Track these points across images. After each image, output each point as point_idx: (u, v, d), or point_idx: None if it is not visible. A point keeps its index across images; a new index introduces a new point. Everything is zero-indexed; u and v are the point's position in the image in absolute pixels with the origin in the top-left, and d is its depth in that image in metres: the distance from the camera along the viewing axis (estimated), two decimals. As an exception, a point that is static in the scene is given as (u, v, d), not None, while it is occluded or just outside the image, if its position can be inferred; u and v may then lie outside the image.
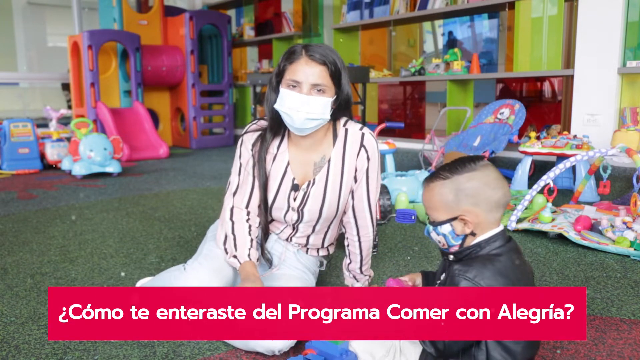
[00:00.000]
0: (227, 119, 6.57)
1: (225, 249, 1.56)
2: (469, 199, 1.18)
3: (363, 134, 1.60)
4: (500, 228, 1.22)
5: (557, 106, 4.87)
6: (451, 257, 1.25)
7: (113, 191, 3.75)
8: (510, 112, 3.86)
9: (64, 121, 5.89)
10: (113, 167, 4.33)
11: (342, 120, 1.62)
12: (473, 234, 1.19)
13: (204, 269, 1.55)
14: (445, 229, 1.20)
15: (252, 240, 1.55)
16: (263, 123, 1.62)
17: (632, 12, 3.56)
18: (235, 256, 1.53)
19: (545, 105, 5.10)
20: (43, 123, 5.86)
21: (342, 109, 1.55)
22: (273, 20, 7.00)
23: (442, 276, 1.27)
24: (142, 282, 1.81)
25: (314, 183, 1.58)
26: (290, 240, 1.70)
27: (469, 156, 1.23)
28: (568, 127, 3.96)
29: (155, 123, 6.32)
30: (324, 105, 1.46)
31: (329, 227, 1.70)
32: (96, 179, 4.22)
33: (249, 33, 7.20)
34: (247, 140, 1.61)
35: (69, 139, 4.87)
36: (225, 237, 1.56)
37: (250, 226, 1.57)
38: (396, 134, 5.35)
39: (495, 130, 3.85)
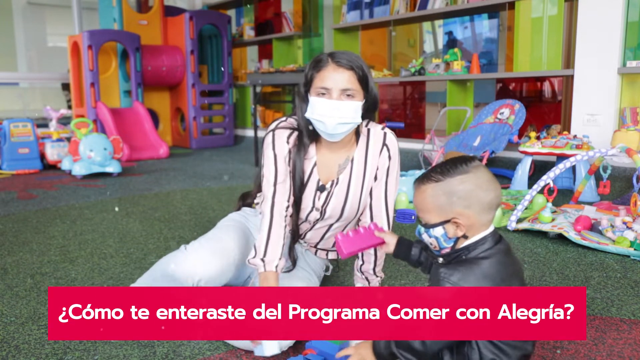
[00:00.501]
0: (227, 119, 6.57)
1: (255, 247, 1.50)
2: (462, 202, 1.16)
3: (385, 133, 1.63)
4: (491, 229, 1.21)
5: (557, 106, 4.87)
6: (440, 259, 1.24)
7: (113, 191, 3.75)
8: (510, 112, 3.87)
9: (64, 121, 5.90)
10: (113, 167, 4.33)
11: (364, 121, 1.63)
12: (465, 236, 1.19)
13: (205, 250, 1.55)
14: (438, 231, 1.19)
15: (283, 246, 1.52)
16: (292, 121, 1.60)
17: (632, 12, 3.56)
18: (263, 260, 1.48)
19: (545, 105, 5.10)
20: (43, 123, 5.86)
21: (370, 111, 1.57)
22: (273, 20, 7.00)
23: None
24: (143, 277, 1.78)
25: (337, 183, 1.59)
26: (304, 237, 1.69)
27: (461, 157, 1.22)
28: (568, 127, 3.96)
29: (155, 123, 6.32)
30: (354, 109, 1.48)
31: (344, 228, 1.70)
32: (96, 179, 4.22)
33: (249, 33, 7.20)
34: (282, 135, 1.58)
35: (69, 139, 4.87)
36: (261, 232, 1.51)
37: (285, 227, 1.53)
38: (396, 134, 5.33)
39: (495, 130, 3.85)
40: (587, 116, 3.74)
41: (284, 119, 1.61)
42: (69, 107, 6.83)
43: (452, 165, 1.19)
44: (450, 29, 5.73)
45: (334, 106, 1.46)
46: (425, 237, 1.23)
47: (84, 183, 4.07)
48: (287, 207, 1.54)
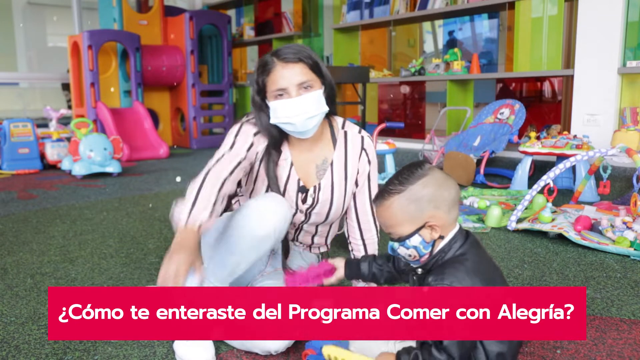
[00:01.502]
0: (227, 119, 6.57)
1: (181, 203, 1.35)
2: (430, 204, 1.16)
3: (363, 137, 1.61)
4: (457, 227, 1.21)
5: (557, 106, 4.87)
6: (419, 270, 1.24)
7: (113, 191, 3.75)
8: (510, 112, 3.87)
9: (64, 121, 5.90)
10: (113, 167, 4.33)
11: (339, 121, 1.61)
12: (441, 237, 1.19)
13: (264, 200, 1.43)
14: (415, 240, 1.18)
15: (215, 203, 1.35)
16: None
17: (632, 12, 3.56)
18: (189, 213, 1.31)
19: (545, 105, 5.10)
20: (43, 123, 5.86)
21: (330, 98, 1.51)
22: (273, 20, 7.00)
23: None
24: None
25: (320, 188, 1.58)
26: (297, 239, 1.70)
27: (411, 163, 1.21)
28: (568, 127, 3.96)
29: (155, 123, 6.32)
30: (317, 99, 1.45)
31: (331, 226, 1.72)
32: (96, 179, 4.22)
33: (249, 33, 7.20)
34: (249, 130, 1.51)
35: (69, 139, 4.87)
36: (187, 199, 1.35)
37: (219, 191, 1.37)
38: (396, 134, 5.35)
39: (495, 130, 3.85)
40: (587, 116, 3.74)
41: (252, 115, 1.54)
42: (69, 107, 6.83)
43: (408, 172, 1.19)
44: (450, 29, 5.73)
45: (296, 104, 1.42)
46: (402, 250, 1.21)
47: (84, 183, 4.07)
48: (224, 181, 1.40)
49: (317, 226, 1.67)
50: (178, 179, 4.23)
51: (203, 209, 1.32)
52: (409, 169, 1.19)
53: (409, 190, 1.16)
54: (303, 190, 1.57)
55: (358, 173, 1.60)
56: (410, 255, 1.21)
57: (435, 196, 1.16)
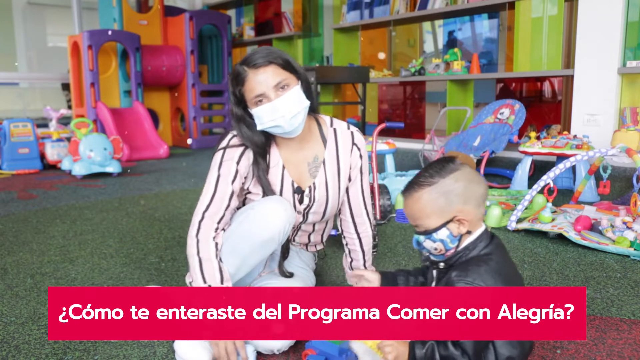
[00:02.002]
0: (227, 119, 6.57)
1: (191, 279, 1.41)
2: (460, 198, 1.17)
3: (352, 133, 1.62)
4: (484, 227, 1.22)
5: (557, 106, 4.87)
6: (441, 265, 1.24)
7: (113, 191, 3.75)
8: (510, 112, 3.87)
9: (64, 121, 5.90)
10: (113, 167, 4.33)
11: (326, 119, 1.62)
12: (469, 232, 1.19)
13: (270, 202, 1.47)
14: (442, 233, 1.18)
15: (219, 263, 1.42)
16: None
17: (632, 12, 3.56)
18: (203, 275, 1.38)
19: (545, 105, 5.10)
20: (43, 123, 5.86)
21: (308, 92, 1.50)
22: (273, 20, 7.00)
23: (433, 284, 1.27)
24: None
25: (315, 187, 1.58)
26: (293, 240, 1.71)
27: (444, 157, 1.22)
28: (568, 127, 3.96)
29: (155, 123, 6.32)
30: (296, 95, 1.45)
31: (327, 223, 1.74)
32: (96, 179, 4.22)
33: (249, 33, 7.20)
34: (232, 154, 1.51)
35: (69, 139, 4.87)
36: (188, 264, 1.43)
37: (217, 244, 1.43)
38: (396, 134, 5.35)
39: (495, 130, 3.85)
40: (587, 116, 3.74)
41: (232, 134, 1.54)
42: (69, 107, 6.83)
43: (440, 166, 1.19)
44: (450, 28, 5.73)
45: (277, 105, 1.42)
46: (428, 244, 1.21)
47: (84, 183, 4.07)
48: (217, 228, 1.45)
49: (314, 224, 1.68)
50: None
51: (213, 271, 1.38)
52: (440, 163, 1.19)
53: (441, 183, 1.16)
54: (299, 191, 1.58)
55: (350, 168, 1.62)
56: (436, 249, 1.21)
57: (466, 191, 1.16)
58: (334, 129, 1.61)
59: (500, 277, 1.14)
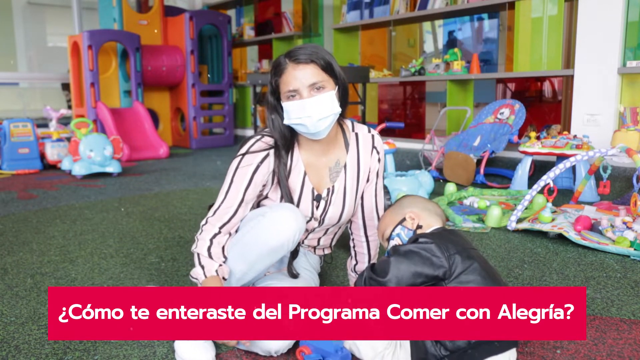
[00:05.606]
0: (227, 119, 6.57)
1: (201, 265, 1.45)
2: (407, 204, 1.45)
3: (373, 136, 1.62)
4: (441, 227, 1.40)
5: (557, 106, 4.87)
6: None
7: (113, 191, 3.75)
8: (510, 112, 3.87)
9: (64, 121, 5.90)
10: (113, 167, 4.33)
11: (348, 124, 1.61)
12: (420, 226, 1.39)
13: (281, 210, 1.47)
14: (397, 230, 1.41)
15: (223, 257, 1.47)
16: (268, 140, 1.52)
17: (632, 12, 3.56)
18: (202, 267, 1.43)
19: (545, 105, 5.10)
20: (43, 123, 5.86)
21: (344, 98, 1.51)
22: (273, 20, 7.00)
23: None
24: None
25: (333, 191, 1.57)
26: (303, 242, 1.70)
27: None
28: (568, 127, 3.96)
29: (155, 123, 6.32)
30: (330, 100, 1.43)
31: (340, 228, 1.72)
32: (96, 179, 4.22)
33: (249, 33, 7.20)
34: (251, 160, 1.49)
35: (69, 139, 4.87)
36: (198, 255, 1.47)
37: (211, 241, 1.47)
38: (396, 134, 5.35)
39: (495, 130, 3.85)
40: (587, 116, 3.74)
41: (259, 136, 1.53)
42: (69, 107, 6.83)
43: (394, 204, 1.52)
44: (450, 28, 5.73)
45: (307, 105, 1.41)
46: (391, 243, 1.42)
47: (84, 183, 4.07)
48: (217, 233, 1.50)
49: (327, 229, 1.67)
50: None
51: (216, 259, 1.45)
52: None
53: (398, 204, 1.47)
54: (318, 199, 1.57)
55: (369, 171, 1.62)
56: (397, 244, 1.39)
57: (414, 202, 1.45)
58: (356, 134, 1.60)
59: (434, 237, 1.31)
